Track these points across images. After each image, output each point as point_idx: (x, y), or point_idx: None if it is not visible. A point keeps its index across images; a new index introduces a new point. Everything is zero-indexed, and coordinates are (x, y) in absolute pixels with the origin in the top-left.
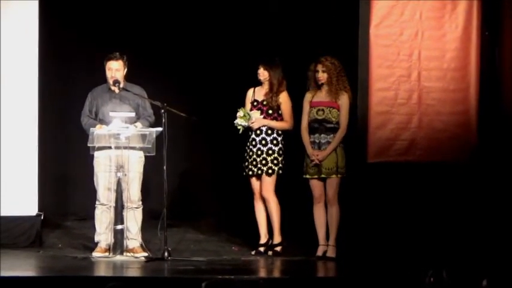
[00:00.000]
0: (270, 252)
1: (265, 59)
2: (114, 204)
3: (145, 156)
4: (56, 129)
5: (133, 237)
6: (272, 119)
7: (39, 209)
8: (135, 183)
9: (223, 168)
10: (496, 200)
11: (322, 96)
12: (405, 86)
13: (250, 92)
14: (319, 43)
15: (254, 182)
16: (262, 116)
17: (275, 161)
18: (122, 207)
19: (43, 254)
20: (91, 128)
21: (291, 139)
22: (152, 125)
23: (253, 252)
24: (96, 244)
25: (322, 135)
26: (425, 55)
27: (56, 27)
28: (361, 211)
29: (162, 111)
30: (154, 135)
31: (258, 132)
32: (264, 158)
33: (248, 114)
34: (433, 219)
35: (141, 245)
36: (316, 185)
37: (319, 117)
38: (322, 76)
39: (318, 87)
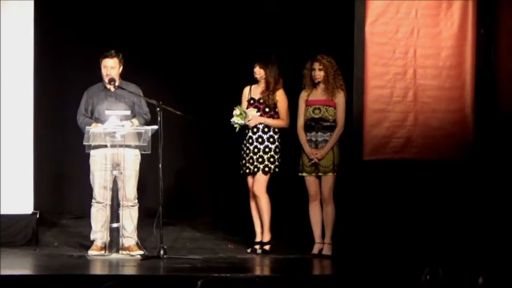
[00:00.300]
0: (259, 250)
1: (261, 57)
2: (110, 203)
3: (141, 155)
4: (52, 127)
5: (129, 235)
6: (269, 117)
7: (35, 208)
8: (131, 182)
9: (219, 166)
10: (492, 198)
11: (318, 94)
12: (401, 83)
13: (246, 89)
14: (315, 41)
15: (251, 180)
16: (258, 114)
17: (272, 159)
18: (118, 205)
19: (39, 252)
20: (87, 127)
21: (286, 137)
22: (148, 123)
23: (249, 250)
24: (92, 242)
25: (319, 133)
26: (420, 53)
27: (51, 26)
28: (357, 209)
29: (158, 109)
30: (150, 134)
31: (255, 130)
32: (261, 156)
33: (244, 112)
34: (429, 217)
35: (137, 243)
36: (312, 183)
37: (316, 116)
38: (318, 74)
39: (314, 85)
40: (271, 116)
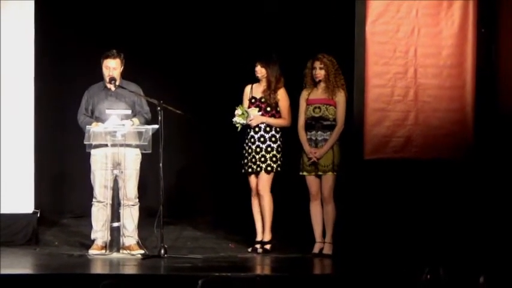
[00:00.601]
0: (260, 250)
1: (262, 56)
2: (110, 202)
3: (142, 154)
4: (53, 127)
5: (130, 234)
6: (270, 116)
7: (36, 207)
8: (132, 181)
9: (220, 165)
10: (492, 197)
11: (318, 93)
12: (401, 83)
13: (247, 88)
14: (316, 40)
15: (253, 179)
16: (260, 113)
17: (274, 158)
18: (119, 204)
19: (39, 251)
20: (87, 126)
21: (287, 136)
22: (148, 122)
23: (249, 250)
24: (92, 242)
25: (319, 132)
26: (421, 52)
27: (52, 26)
28: (358, 208)
29: (159, 108)
30: (150, 133)
31: (257, 129)
32: (263, 155)
33: (246, 112)
34: (429, 216)
35: (138, 243)
36: (312, 182)
37: (316, 115)
38: (319, 73)
39: (315, 84)
40: (273, 115)
